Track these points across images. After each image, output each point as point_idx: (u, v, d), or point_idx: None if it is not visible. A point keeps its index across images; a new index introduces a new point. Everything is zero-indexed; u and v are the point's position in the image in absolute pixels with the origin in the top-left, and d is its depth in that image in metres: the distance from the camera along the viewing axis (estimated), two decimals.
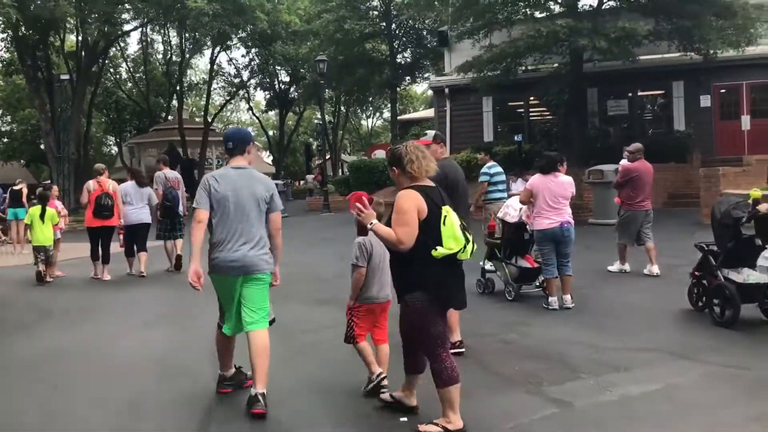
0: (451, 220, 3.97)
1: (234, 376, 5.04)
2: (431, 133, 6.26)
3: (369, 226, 4.09)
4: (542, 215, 7.39)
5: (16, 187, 16.93)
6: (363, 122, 64.87)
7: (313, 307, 8.08)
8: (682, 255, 9.60)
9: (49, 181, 33.75)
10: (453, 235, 3.94)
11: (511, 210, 8.05)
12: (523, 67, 18.58)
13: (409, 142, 4.33)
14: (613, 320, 7.00)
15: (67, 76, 26.76)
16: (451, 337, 5.38)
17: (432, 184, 4.20)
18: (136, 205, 10.93)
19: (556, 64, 18.91)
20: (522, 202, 7.79)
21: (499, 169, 10.89)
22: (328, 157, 53.30)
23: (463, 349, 5.76)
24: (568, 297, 7.44)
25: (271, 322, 4.82)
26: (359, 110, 54.01)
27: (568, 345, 6.01)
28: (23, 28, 28.24)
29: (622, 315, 7.26)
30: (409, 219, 3.93)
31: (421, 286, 4.02)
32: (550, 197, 7.36)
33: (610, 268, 9.75)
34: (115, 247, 11.25)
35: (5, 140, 47.99)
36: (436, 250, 3.92)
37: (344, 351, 5.13)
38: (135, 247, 10.98)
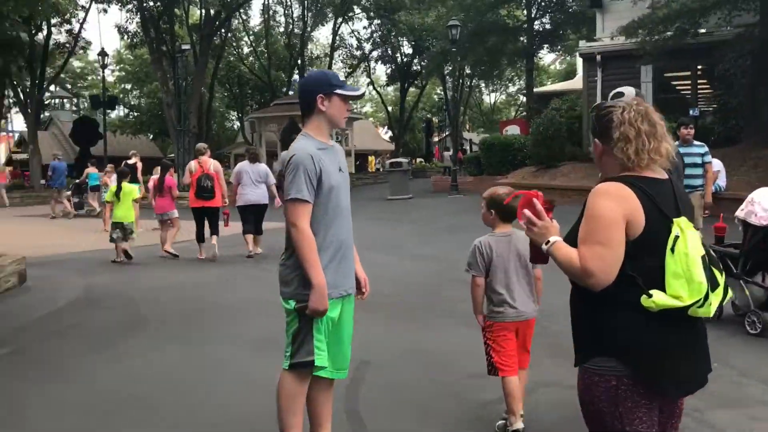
0: (686, 244, 2.10)
1: None
2: (630, 90, 4.00)
3: (545, 246, 2.26)
4: None
5: (130, 161, 16.09)
6: (485, 97, 62.15)
7: (469, 330, 6.08)
8: None
9: (172, 156, 33.84)
10: (687, 274, 2.07)
11: (758, 208, 5.67)
12: (693, 30, 15.68)
13: (633, 102, 2.32)
14: None
15: (188, 47, 25.97)
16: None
17: (662, 175, 2.27)
18: (250, 185, 10.49)
19: (729, 28, 15.83)
20: None
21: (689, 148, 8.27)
22: (447, 133, 51.28)
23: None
24: None
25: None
26: (483, 84, 51.38)
27: None
28: None
29: None
30: (609, 235, 2.12)
31: (616, 351, 2.18)
32: None
33: None
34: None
35: (134, 114, 49.09)
36: (649, 296, 2.07)
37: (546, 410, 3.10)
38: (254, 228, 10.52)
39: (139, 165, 16.34)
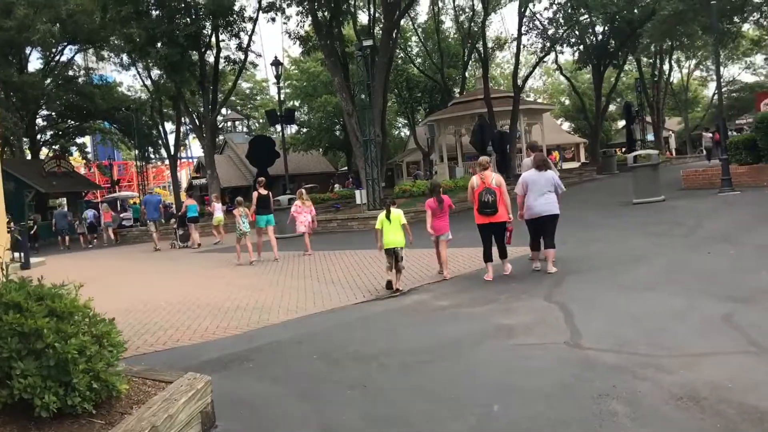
0: None
1: None
2: None
3: None
4: None
5: (263, 192, 14.19)
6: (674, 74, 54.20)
7: None
8: None
9: (344, 169, 30.91)
10: None
11: None
12: None
13: None
14: None
15: (370, 42, 22.65)
16: None
17: None
18: (537, 195, 9.46)
19: None
20: None
21: None
22: (648, 119, 45.02)
23: None
24: None
25: None
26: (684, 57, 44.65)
27: None
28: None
29: None
30: None
31: None
32: None
33: None
34: None
35: (304, 130, 47.58)
36: None
37: None
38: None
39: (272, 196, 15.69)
